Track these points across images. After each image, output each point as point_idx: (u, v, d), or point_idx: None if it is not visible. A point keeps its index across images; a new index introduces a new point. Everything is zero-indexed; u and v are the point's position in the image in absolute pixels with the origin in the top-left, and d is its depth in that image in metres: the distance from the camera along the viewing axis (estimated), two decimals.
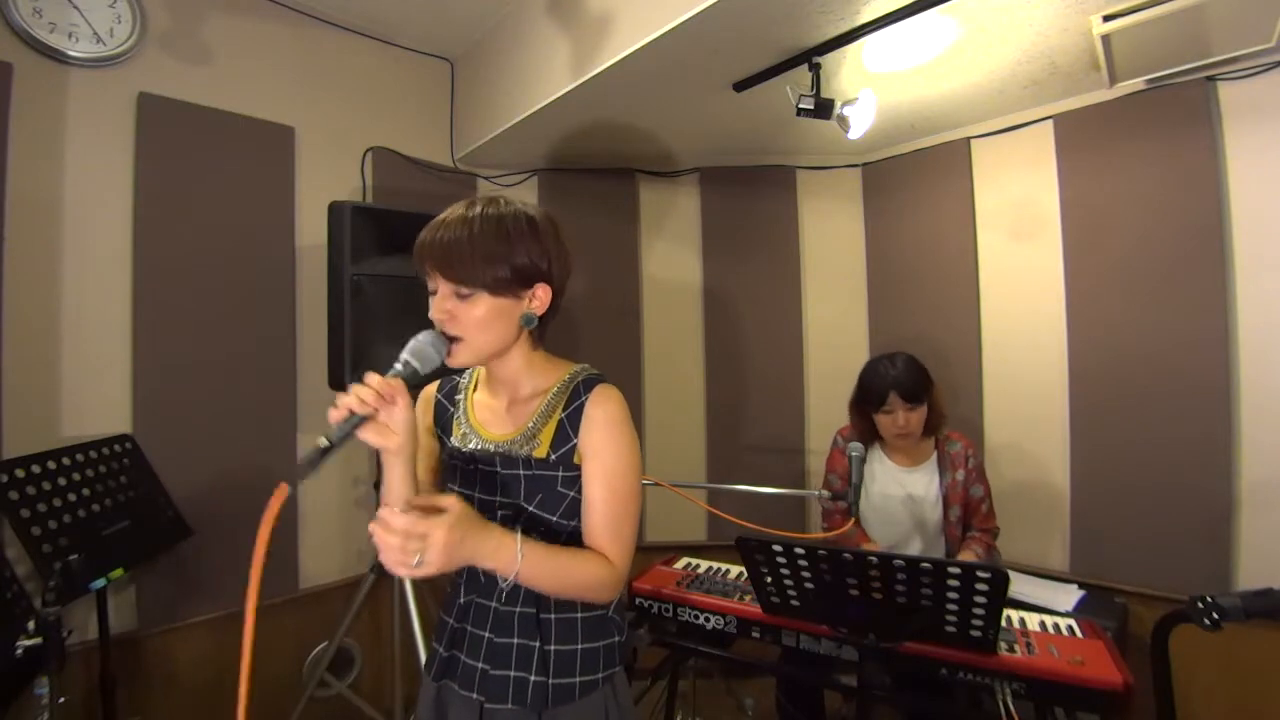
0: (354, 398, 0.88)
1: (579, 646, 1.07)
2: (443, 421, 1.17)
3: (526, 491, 1.06)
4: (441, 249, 0.99)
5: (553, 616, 1.06)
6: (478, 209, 1.02)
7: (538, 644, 1.04)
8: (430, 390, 1.22)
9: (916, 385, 2.02)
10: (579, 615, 1.08)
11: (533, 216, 1.04)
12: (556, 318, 1.11)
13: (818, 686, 2.02)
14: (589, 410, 1.05)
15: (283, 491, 0.83)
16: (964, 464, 2.07)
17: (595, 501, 1.04)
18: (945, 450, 2.10)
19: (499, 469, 1.08)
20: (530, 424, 1.07)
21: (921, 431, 2.06)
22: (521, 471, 1.06)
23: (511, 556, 0.94)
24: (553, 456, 1.05)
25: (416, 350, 0.97)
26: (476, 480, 1.09)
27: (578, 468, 1.05)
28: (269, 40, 2.33)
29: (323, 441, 0.84)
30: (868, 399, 2.09)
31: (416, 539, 0.85)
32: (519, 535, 0.96)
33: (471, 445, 1.11)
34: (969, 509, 2.08)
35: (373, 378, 0.90)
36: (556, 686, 1.04)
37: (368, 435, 0.91)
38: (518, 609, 1.06)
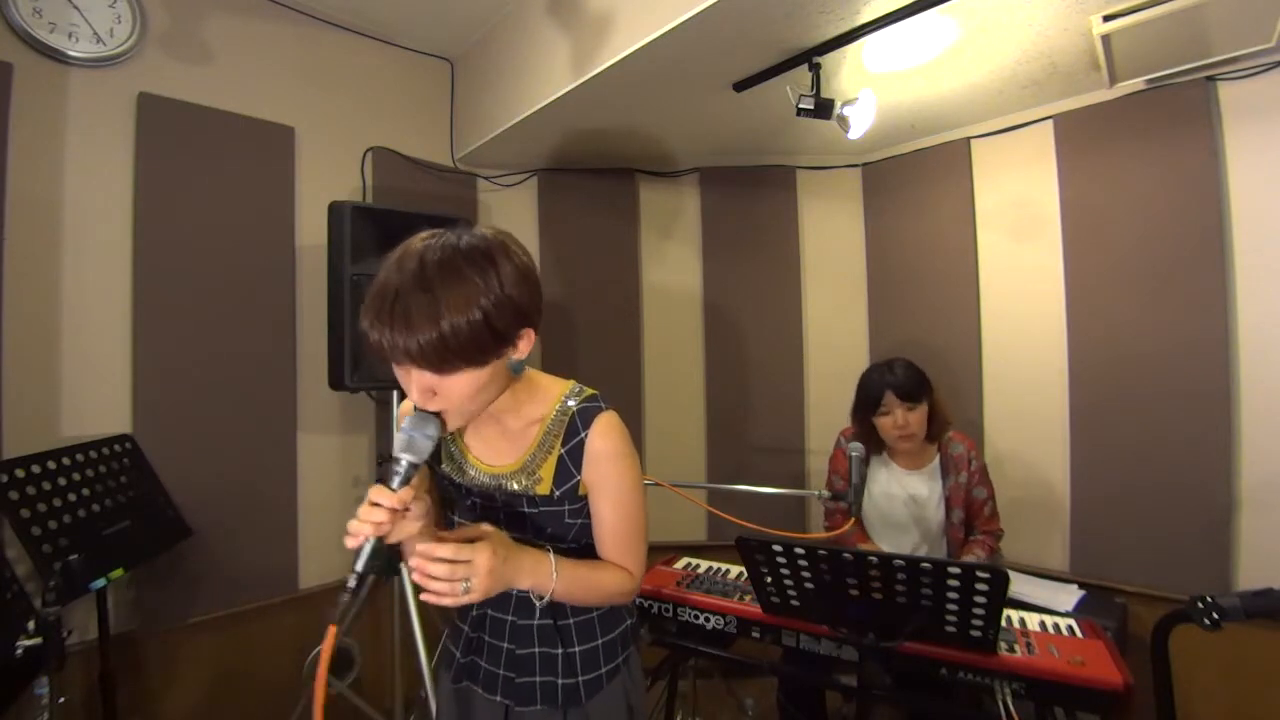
0: (369, 525, 0.83)
1: (599, 641, 1.09)
2: None
3: (534, 526, 1.06)
4: (413, 354, 0.83)
5: (570, 622, 1.08)
6: (439, 285, 0.82)
7: (560, 650, 1.06)
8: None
9: (913, 385, 2.02)
10: (595, 614, 1.10)
11: (504, 277, 0.87)
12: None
13: (818, 686, 2.02)
14: (591, 446, 1.02)
15: (332, 633, 0.82)
16: (966, 466, 2.07)
17: (608, 526, 1.05)
18: (948, 453, 2.09)
19: (502, 505, 1.07)
20: (528, 457, 1.04)
21: (924, 435, 2.05)
22: (526, 509, 1.06)
23: (548, 574, 0.96)
24: (556, 493, 1.04)
25: (406, 444, 0.87)
26: (477, 513, 1.09)
27: (582, 498, 1.05)
28: (269, 40, 2.33)
29: (351, 581, 0.83)
30: (865, 403, 2.09)
31: (463, 566, 0.86)
32: (552, 554, 0.98)
33: (468, 477, 1.09)
34: (972, 511, 2.08)
35: (381, 494, 0.85)
36: (586, 683, 1.06)
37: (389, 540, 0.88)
38: (535, 622, 1.07)
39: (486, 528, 0.95)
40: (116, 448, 1.83)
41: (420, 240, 0.88)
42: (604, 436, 1.03)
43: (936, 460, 2.11)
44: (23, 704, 1.41)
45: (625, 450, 1.05)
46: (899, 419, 2.02)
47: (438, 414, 0.91)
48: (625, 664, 1.12)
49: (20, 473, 1.50)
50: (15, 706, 1.45)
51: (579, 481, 1.04)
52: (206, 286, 2.13)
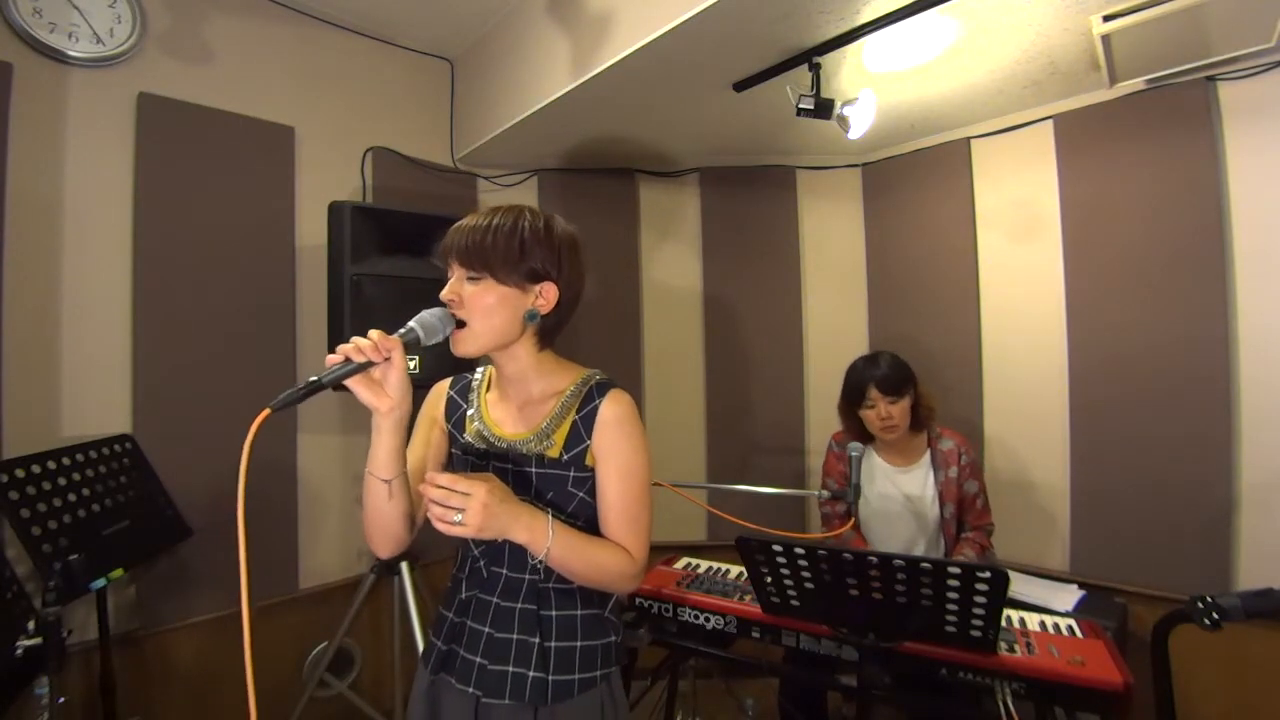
0: (351, 345, 0.91)
1: (578, 644, 1.08)
2: (454, 418, 1.19)
3: (538, 489, 1.08)
4: (461, 238, 1.04)
5: (553, 614, 1.07)
6: (502, 213, 1.06)
7: (537, 640, 1.05)
8: (443, 385, 1.23)
9: (896, 378, 2.05)
10: (578, 613, 1.09)
11: (552, 226, 1.08)
12: (564, 327, 1.13)
13: (818, 687, 2.02)
14: (602, 412, 1.07)
15: (264, 415, 0.85)
16: (956, 460, 2.08)
17: (612, 499, 1.06)
18: (938, 448, 2.12)
19: (511, 466, 1.10)
20: (544, 424, 1.09)
21: (908, 424, 2.08)
22: (534, 469, 1.08)
23: (544, 530, 0.98)
24: (565, 456, 1.07)
25: (422, 320, 0.99)
26: None
27: (589, 469, 1.07)
28: (269, 40, 2.33)
29: (310, 377, 0.88)
30: (849, 396, 2.14)
31: (459, 496, 0.91)
32: (549, 514, 1.00)
33: (484, 441, 1.13)
34: (963, 505, 2.09)
35: (373, 332, 0.93)
36: (556, 683, 1.05)
37: (360, 389, 0.93)
38: (519, 605, 1.07)
39: (488, 474, 1.00)
40: (116, 448, 1.83)
41: None
42: (615, 406, 1.08)
43: (927, 456, 2.13)
44: (23, 704, 1.42)
45: (634, 421, 1.09)
46: (882, 411, 2.05)
47: (455, 324, 1.03)
48: (605, 681, 1.10)
49: (20, 473, 1.51)
50: (15, 706, 1.45)
51: (588, 448, 1.07)
52: (206, 286, 2.13)
